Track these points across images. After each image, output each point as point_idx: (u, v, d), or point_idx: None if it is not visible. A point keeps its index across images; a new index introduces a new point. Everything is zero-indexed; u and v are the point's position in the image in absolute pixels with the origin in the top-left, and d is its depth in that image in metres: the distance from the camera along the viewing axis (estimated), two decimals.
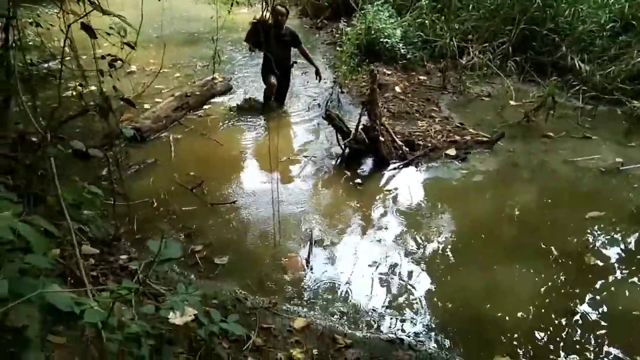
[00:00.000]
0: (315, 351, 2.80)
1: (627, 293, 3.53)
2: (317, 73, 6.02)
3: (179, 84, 6.88)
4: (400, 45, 7.25)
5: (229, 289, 3.34)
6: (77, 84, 5.54)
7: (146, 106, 6.06)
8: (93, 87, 5.35)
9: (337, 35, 9.02)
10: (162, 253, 1.88)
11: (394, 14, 7.84)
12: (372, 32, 7.24)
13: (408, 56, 7.31)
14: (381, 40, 7.17)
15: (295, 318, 3.07)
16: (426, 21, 7.62)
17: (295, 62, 6.20)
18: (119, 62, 4.43)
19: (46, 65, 7.07)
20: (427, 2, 7.70)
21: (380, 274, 3.63)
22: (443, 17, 7.54)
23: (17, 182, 3.42)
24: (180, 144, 5.39)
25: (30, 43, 6.97)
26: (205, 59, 7.80)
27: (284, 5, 5.77)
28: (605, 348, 3.03)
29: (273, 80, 5.93)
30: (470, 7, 7.55)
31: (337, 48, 7.99)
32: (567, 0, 6.89)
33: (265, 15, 5.05)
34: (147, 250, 3.74)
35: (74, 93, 5.89)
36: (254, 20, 5.83)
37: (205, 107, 6.41)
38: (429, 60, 7.58)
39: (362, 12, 7.71)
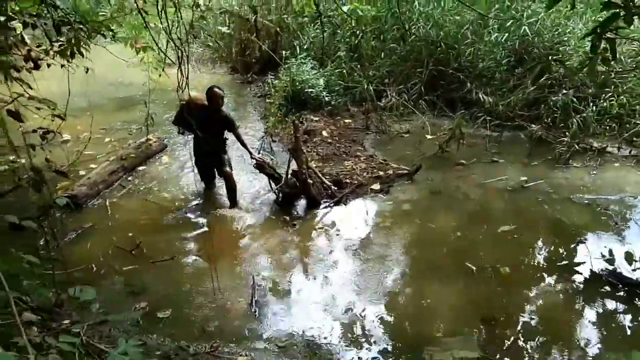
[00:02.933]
0: None
1: (538, 295, 3.98)
2: (252, 157, 5.36)
3: (112, 149, 7.02)
4: (324, 93, 7.79)
5: (171, 340, 3.49)
6: (9, 159, 5.65)
7: (82, 173, 6.17)
8: (27, 159, 5.47)
9: (266, 89, 9.51)
10: (79, 296, 2.10)
11: (316, 65, 8.41)
12: (297, 83, 7.74)
13: (332, 102, 7.85)
14: (306, 90, 7.68)
15: (237, 357, 3.27)
16: (344, 70, 8.22)
17: (227, 139, 5.67)
18: (50, 134, 4.64)
19: None
20: (344, 53, 8.34)
21: (317, 306, 3.91)
22: (359, 66, 8.19)
23: None
24: (117, 207, 5.53)
25: None
26: (139, 122, 8.00)
27: (220, 87, 5.36)
28: (523, 346, 3.42)
29: (210, 186, 5.83)
30: (383, 55, 8.25)
31: (267, 100, 8.45)
32: (466, 42, 7.70)
33: (190, 93, 4.61)
34: (89, 313, 3.88)
35: (7, 167, 5.99)
36: (183, 102, 5.32)
37: (142, 168, 6.58)
38: (352, 104, 8.15)
39: (287, 65, 8.23)
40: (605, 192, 5.43)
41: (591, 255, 4.32)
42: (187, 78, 3.55)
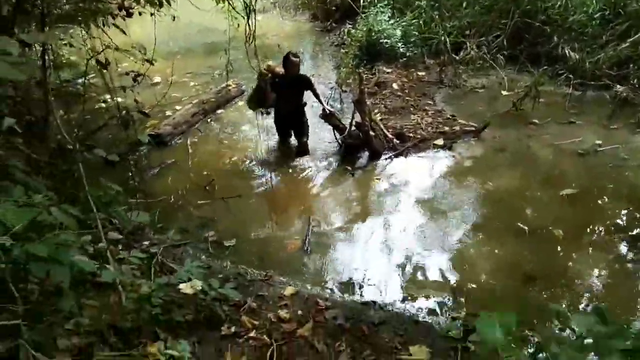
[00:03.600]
0: (299, 312, 3.37)
1: (585, 260, 3.95)
2: (324, 110, 5.46)
3: (196, 92, 7.56)
4: (400, 44, 7.71)
5: (232, 265, 3.96)
6: (104, 98, 6.34)
7: (168, 113, 6.78)
8: (121, 99, 6.15)
9: (344, 37, 9.54)
10: (135, 220, 2.52)
11: (396, 14, 8.28)
12: (373, 33, 7.72)
13: (408, 54, 7.77)
14: (381, 40, 7.64)
15: (286, 287, 3.65)
16: (421, 20, 8.03)
17: (305, 103, 5.70)
18: (141, 76, 5.18)
19: (79, 81, 7.85)
20: (424, 2, 8.12)
21: (366, 250, 4.18)
22: (439, 15, 7.95)
23: (56, 184, 4.13)
24: (197, 146, 6.05)
25: (64, 62, 7.80)
26: (221, 68, 8.47)
27: (296, 54, 5.44)
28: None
29: (284, 140, 5.95)
30: (465, 4, 7.93)
31: (342, 50, 8.52)
32: None
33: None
34: (166, 238, 4.42)
35: (104, 105, 6.71)
36: (262, 76, 5.35)
37: (220, 111, 7.05)
38: (428, 56, 8.00)
39: (364, 14, 8.19)
40: None
41: None
42: (254, 32, 3.79)
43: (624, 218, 4.44)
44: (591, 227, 4.36)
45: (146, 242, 4.23)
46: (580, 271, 3.84)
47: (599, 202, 4.66)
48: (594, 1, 6.94)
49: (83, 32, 7.32)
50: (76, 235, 2.49)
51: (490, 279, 3.78)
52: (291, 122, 5.74)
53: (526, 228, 4.29)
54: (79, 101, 6.65)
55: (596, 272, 3.84)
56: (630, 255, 3.99)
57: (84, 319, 2.66)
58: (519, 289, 3.65)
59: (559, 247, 4.09)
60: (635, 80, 6.16)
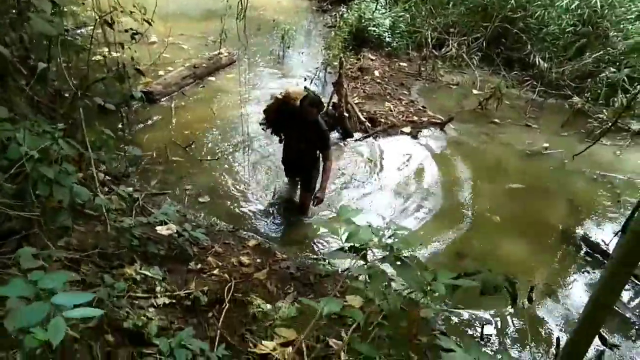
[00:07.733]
0: (259, 260, 3.91)
1: (511, 243, 4.56)
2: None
3: (189, 56, 7.93)
4: (387, 34, 8.16)
5: (206, 217, 4.47)
6: (102, 52, 6.70)
7: (160, 72, 7.16)
8: (118, 54, 6.50)
9: (337, 20, 9.93)
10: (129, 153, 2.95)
11: (388, 3, 8.70)
12: (363, 20, 8.15)
13: (393, 44, 8.22)
14: (369, 28, 8.08)
15: (250, 239, 4.19)
16: (408, 14, 8.48)
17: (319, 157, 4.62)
18: (138, 35, 5.57)
19: (79, 31, 8.14)
20: None
21: (322, 214, 4.73)
22: (426, 11, 8.41)
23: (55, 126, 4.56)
24: (182, 108, 6.47)
25: (66, 10, 8.07)
26: (215, 34, 8.82)
27: (316, 100, 4.25)
28: None
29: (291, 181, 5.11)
30: (452, 4, 8.39)
31: (332, 32, 8.94)
32: (537, 3, 7.69)
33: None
34: (149, 186, 4.89)
35: (101, 58, 7.06)
36: (280, 97, 4.44)
37: (211, 78, 7.46)
38: (413, 49, 8.48)
39: (358, 0, 8.60)
40: (620, 171, 5.67)
41: (580, 222, 4.81)
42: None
43: (554, 212, 5.06)
44: (523, 216, 4.97)
45: (130, 189, 4.71)
46: (508, 252, 4.44)
47: (536, 197, 5.27)
48: (569, 15, 7.45)
49: None
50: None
51: (428, 254, 4.36)
52: (297, 169, 4.86)
53: (469, 212, 4.89)
54: (78, 51, 7.01)
55: (523, 255, 4.45)
56: (553, 242, 4.62)
57: (73, 239, 3.17)
58: (449, 263, 4.25)
59: (492, 230, 4.69)
60: (590, 94, 6.74)
